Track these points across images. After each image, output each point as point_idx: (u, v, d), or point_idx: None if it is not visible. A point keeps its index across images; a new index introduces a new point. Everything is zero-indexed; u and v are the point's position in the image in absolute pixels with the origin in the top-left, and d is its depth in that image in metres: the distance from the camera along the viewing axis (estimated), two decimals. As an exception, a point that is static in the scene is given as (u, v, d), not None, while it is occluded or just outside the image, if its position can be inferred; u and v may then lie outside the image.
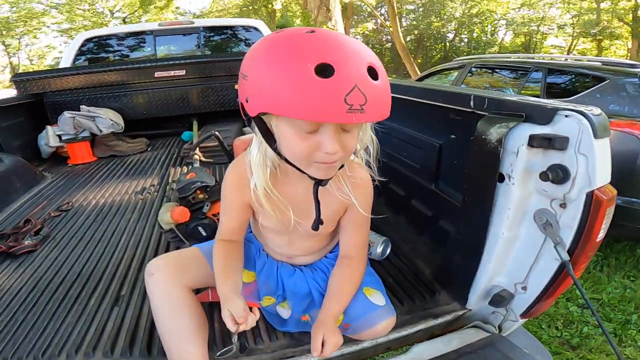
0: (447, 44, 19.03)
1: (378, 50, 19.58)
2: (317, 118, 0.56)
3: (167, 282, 0.84)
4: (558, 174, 0.73)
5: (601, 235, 0.77)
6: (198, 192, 1.27)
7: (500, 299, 0.91)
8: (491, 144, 0.80)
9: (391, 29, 12.98)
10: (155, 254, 1.29)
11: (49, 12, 15.54)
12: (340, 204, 0.83)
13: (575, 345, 1.63)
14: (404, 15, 18.72)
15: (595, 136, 0.69)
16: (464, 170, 0.94)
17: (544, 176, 0.74)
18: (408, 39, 17.75)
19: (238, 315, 0.74)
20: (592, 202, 0.72)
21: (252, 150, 0.75)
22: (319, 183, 0.73)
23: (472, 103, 0.92)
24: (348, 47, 0.58)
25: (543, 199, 0.79)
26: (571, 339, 1.66)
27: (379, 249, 1.21)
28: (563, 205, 0.76)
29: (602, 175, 0.72)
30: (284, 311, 0.93)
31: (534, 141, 0.73)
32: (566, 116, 0.72)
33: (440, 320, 0.97)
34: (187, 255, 0.94)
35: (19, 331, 0.94)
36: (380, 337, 0.89)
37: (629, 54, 13.81)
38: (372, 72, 0.58)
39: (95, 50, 3.50)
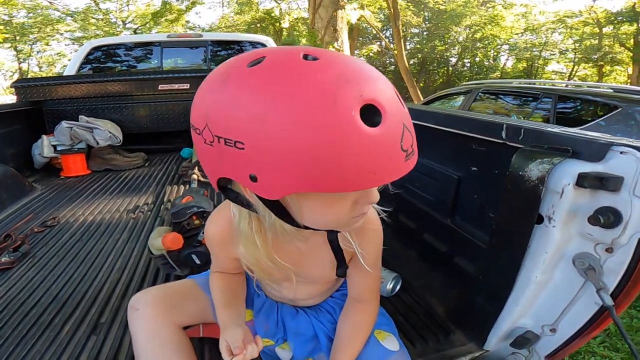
0: (450, 68, 19.29)
1: (382, 72, 19.88)
2: (382, 181, 0.43)
3: (154, 320, 0.73)
4: (609, 218, 0.63)
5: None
6: (194, 217, 1.17)
7: (524, 341, 0.84)
8: (530, 181, 0.70)
9: (395, 51, 13.14)
10: (143, 280, 1.19)
11: (64, 20, 15.80)
12: (346, 251, 0.70)
13: None
14: (409, 38, 19.02)
15: (655, 177, 0.59)
16: (493, 208, 0.86)
17: (593, 220, 0.64)
18: (411, 62, 17.99)
19: (234, 344, 0.64)
20: (643, 249, 0.62)
21: (237, 220, 0.61)
22: (332, 235, 0.62)
23: (504, 133, 0.83)
24: (373, 73, 0.44)
25: (587, 242, 0.70)
26: None
27: (389, 286, 1.11)
28: (609, 250, 0.67)
29: (658, 219, 0.62)
30: (284, 353, 0.83)
31: (584, 181, 0.64)
32: (621, 152, 0.62)
33: None
34: (179, 288, 0.84)
35: None
36: None
37: (629, 80, 13.97)
38: (396, 94, 0.47)
39: (102, 59, 3.47)
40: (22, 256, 1.32)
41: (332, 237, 0.64)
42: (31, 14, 15.19)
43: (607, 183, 0.62)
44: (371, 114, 0.40)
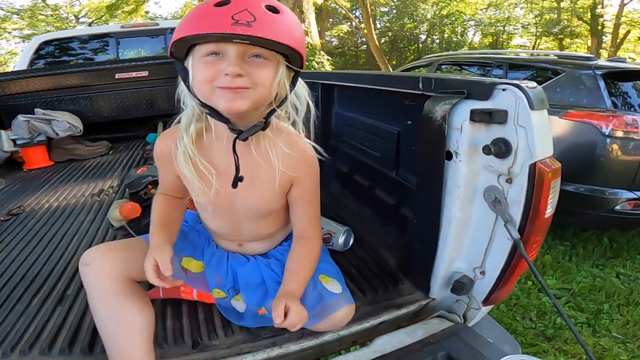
0: (420, 45, 19.43)
1: (353, 52, 19.77)
2: (202, 30, 0.62)
3: (104, 273, 0.76)
4: (500, 148, 0.73)
5: (549, 210, 0.78)
6: (149, 186, 1.21)
7: (460, 286, 0.90)
8: (437, 121, 0.80)
9: (365, 31, 13.13)
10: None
11: (10, 18, 14.93)
12: (283, 178, 0.79)
13: (550, 337, 1.63)
14: (378, 17, 18.99)
15: (532, 108, 0.70)
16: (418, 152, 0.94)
17: (486, 150, 0.74)
18: (382, 41, 18.02)
19: (163, 264, 0.72)
20: (535, 175, 0.72)
21: (182, 116, 0.77)
22: (237, 137, 0.72)
23: (420, 85, 0.92)
24: None
25: (491, 175, 0.80)
26: (545, 330, 1.66)
27: (341, 239, 1.19)
28: (509, 181, 0.77)
29: (543, 147, 0.73)
30: (239, 304, 0.88)
31: (475, 115, 0.74)
32: (503, 90, 0.72)
33: (404, 310, 0.95)
34: (128, 243, 0.87)
35: None
36: (339, 328, 0.86)
37: (589, 52, 14.44)
38: (272, 9, 0.64)
39: (55, 54, 3.37)
40: (-12, 242, 1.34)
41: (234, 142, 0.73)
42: (-26, 14, 14.28)
43: (494, 116, 0.72)
44: (223, 4, 0.62)
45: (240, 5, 0.61)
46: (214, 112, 0.70)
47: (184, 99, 0.76)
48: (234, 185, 0.75)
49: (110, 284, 0.76)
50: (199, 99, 0.69)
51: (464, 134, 0.77)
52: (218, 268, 0.90)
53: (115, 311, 0.75)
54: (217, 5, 0.62)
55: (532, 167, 0.73)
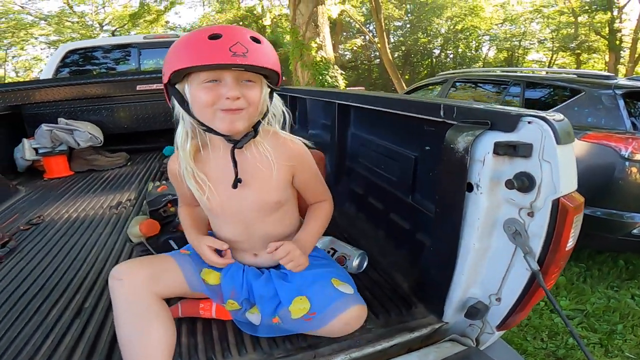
0: (434, 59, 19.45)
1: (366, 66, 19.89)
2: (208, 61, 0.71)
3: (134, 289, 0.80)
4: (524, 182, 0.72)
5: (570, 243, 0.76)
6: (169, 205, 1.24)
7: (475, 311, 0.89)
8: (459, 152, 0.79)
9: (379, 45, 13.22)
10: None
11: (37, 24, 15.47)
12: (282, 170, 0.88)
13: (561, 357, 1.61)
14: (392, 31, 19.12)
15: (558, 142, 0.69)
16: (437, 181, 0.93)
17: (509, 184, 0.73)
18: (395, 55, 18.09)
19: (216, 243, 0.86)
20: (558, 210, 0.71)
21: (177, 132, 0.85)
22: (234, 146, 0.82)
23: (442, 112, 0.92)
24: (234, 27, 0.77)
25: (512, 208, 0.78)
26: (557, 351, 1.64)
27: (355, 262, 1.19)
28: (531, 214, 0.76)
29: (567, 182, 0.71)
30: (254, 317, 0.91)
31: (499, 149, 0.73)
32: (529, 122, 0.71)
33: (416, 333, 0.94)
34: (159, 261, 0.92)
35: None
36: (352, 329, 0.88)
37: (606, 67, 14.22)
38: (255, 39, 0.75)
39: (79, 62, 3.48)
40: (9, 252, 1.39)
41: (232, 150, 0.83)
42: (3, 19, 14.82)
43: (519, 150, 0.71)
44: (216, 37, 0.72)
45: (232, 38, 0.73)
46: (211, 129, 0.79)
47: (178, 119, 0.85)
48: (234, 186, 0.85)
49: (139, 299, 0.80)
50: (197, 120, 0.79)
51: (487, 167, 0.76)
52: (234, 280, 0.92)
53: (140, 326, 0.78)
54: (211, 38, 0.72)
55: (556, 202, 0.71)
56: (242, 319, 0.92)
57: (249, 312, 0.91)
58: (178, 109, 0.81)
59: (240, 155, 0.85)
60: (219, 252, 0.90)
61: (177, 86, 0.79)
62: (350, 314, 0.86)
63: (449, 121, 0.89)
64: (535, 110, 0.75)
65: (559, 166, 0.69)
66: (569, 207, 0.71)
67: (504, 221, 0.81)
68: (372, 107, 1.25)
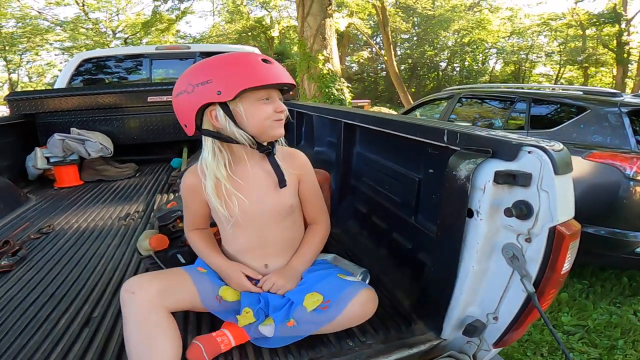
0: (440, 72, 19.53)
1: (372, 79, 20.02)
2: (275, 80, 0.88)
3: (147, 302, 0.83)
4: (522, 210, 0.74)
5: (567, 267, 0.79)
6: (178, 221, 1.27)
7: (472, 329, 0.92)
8: (460, 180, 0.81)
9: (386, 57, 13.33)
10: (133, 280, 1.28)
11: (53, 30, 15.77)
12: (291, 177, 1.00)
13: None
14: (399, 44, 19.28)
15: (556, 173, 0.71)
16: (440, 205, 0.96)
17: (508, 212, 0.75)
18: (402, 67, 18.22)
19: (250, 273, 0.98)
20: (554, 237, 0.73)
21: (205, 154, 0.94)
22: (269, 154, 0.96)
23: (445, 138, 0.94)
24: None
25: (510, 233, 0.81)
26: None
27: (358, 279, 1.21)
28: (528, 240, 0.78)
29: (564, 210, 0.73)
30: (267, 329, 0.92)
31: (499, 178, 0.75)
32: (529, 152, 0.74)
33: (415, 349, 0.96)
34: (172, 276, 0.95)
35: None
36: (366, 315, 0.92)
37: (614, 81, 14.14)
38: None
39: (92, 71, 3.55)
40: (20, 260, 1.42)
41: (272, 158, 0.97)
42: (20, 24, 15.08)
43: (518, 179, 0.73)
44: (266, 61, 0.90)
45: (276, 63, 0.92)
46: (249, 140, 0.92)
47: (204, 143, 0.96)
48: (282, 184, 0.97)
49: (149, 313, 0.82)
50: (244, 131, 0.90)
51: (487, 195, 0.78)
52: (251, 294, 0.97)
53: (149, 339, 0.81)
54: (265, 62, 0.89)
55: (552, 230, 0.73)
56: (256, 334, 0.93)
57: (262, 324, 0.92)
58: (210, 131, 0.93)
59: (260, 162, 0.98)
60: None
61: (229, 104, 0.89)
62: (365, 295, 0.91)
63: (452, 147, 0.92)
64: (536, 139, 0.78)
65: (557, 196, 0.71)
66: (565, 234, 0.73)
67: (503, 246, 0.83)
68: (378, 129, 1.28)
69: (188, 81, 0.89)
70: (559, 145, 0.76)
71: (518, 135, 0.83)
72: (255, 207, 0.97)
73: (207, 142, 0.94)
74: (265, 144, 0.96)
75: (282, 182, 0.96)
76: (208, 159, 0.93)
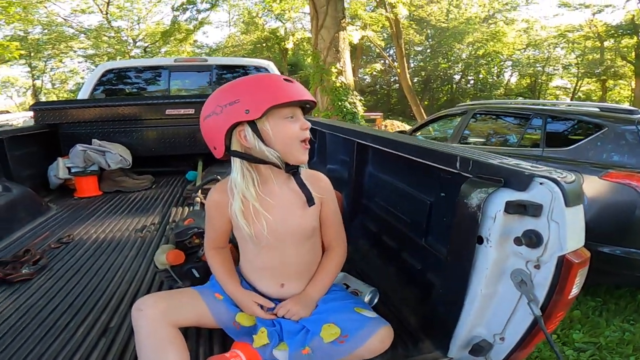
0: (454, 85, 19.43)
1: (385, 91, 20.04)
2: (299, 97, 0.91)
3: (154, 319, 0.87)
4: (532, 239, 0.75)
5: (574, 292, 0.79)
6: (194, 237, 1.32)
7: (479, 349, 0.93)
8: (472, 208, 0.83)
9: (399, 70, 13.36)
10: (149, 291, 1.32)
11: (77, 37, 16.27)
12: (315, 199, 0.99)
13: None
14: (412, 56, 19.32)
15: (567, 204, 0.72)
16: (450, 229, 0.97)
17: (517, 241, 0.76)
18: (415, 80, 18.19)
19: (262, 301, 0.99)
20: (562, 265, 0.75)
21: (235, 174, 0.95)
22: (295, 174, 0.96)
23: (458, 164, 0.96)
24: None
25: (519, 260, 0.82)
26: None
27: (367, 298, 1.21)
28: (537, 267, 0.79)
29: (574, 240, 0.74)
30: (281, 354, 0.94)
31: (510, 208, 0.76)
32: (541, 183, 0.75)
33: None
34: (179, 294, 1.00)
35: (3, 354, 0.97)
36: (384, 348, 0.92)
37: (633, 94, 13.83)
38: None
39: (113, 81, 3.67)
40: (40, 269, 1.47)
41: (298, 178, 0.97)
42: (46, 30, 15.53)
43: (529, 210, 0.75)
44: (288, 81, 0.92)
45: (297, 82, 0.94)
46: (278, 159, 0.93)
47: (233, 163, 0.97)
48: (311, 202, 0.97)
49: (157, 329, 0.86)
50: (273, 149, 0.91)
51: (497, 224, 0.79)
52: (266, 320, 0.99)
53: (158, 353, 0.85)
54: (287, 81, 0.92)
55: (561, 258, 0.75)
56: (270, 357, 0.94)
57: (277, 348, 0.94)
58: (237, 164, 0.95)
59: (286, 182, 0.99)
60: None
61: (257, 123, 0.90)
62: (383, 333, 0.91)
63: (465, 173, 0.93)
64: (549, 169, 0.79)
65: (567, 226, 0.72)
66: (574, 262, 0.75)
67: (511, 271, 0.84)
68: (390, 151, 1.31)
69: (216, 103, 0.90)
70: (570, 177, 0.77)
71: (530, 164, 0.85)
72: (280, 226, 0.97)
73: (236, 163, 0.95)
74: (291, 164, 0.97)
75: (310, 201, 0.96)
76: (237, 179, 0.94)
